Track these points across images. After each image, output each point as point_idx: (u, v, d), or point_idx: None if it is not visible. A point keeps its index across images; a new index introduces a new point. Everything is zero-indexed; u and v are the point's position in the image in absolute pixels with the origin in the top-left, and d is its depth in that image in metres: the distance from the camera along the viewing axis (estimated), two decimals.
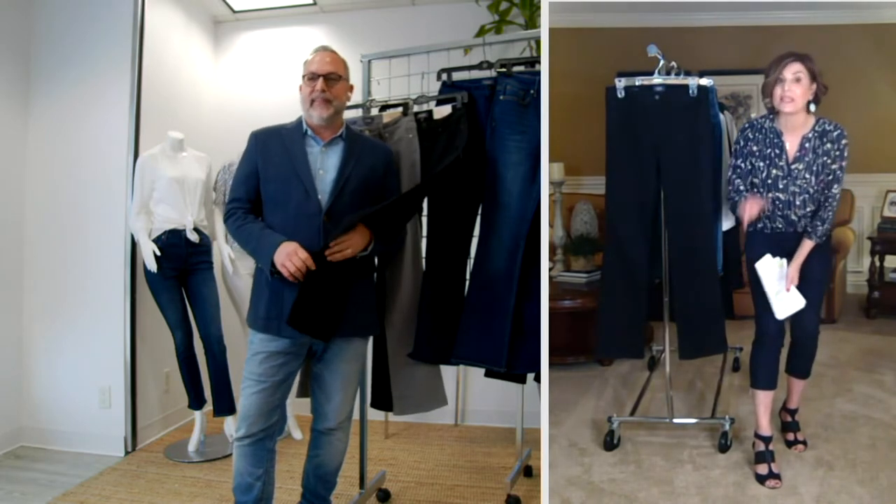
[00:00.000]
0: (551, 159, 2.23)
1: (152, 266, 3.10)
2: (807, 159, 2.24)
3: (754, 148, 2.29)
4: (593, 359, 3.33)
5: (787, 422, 2.51)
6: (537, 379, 2.27)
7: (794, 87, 2.18)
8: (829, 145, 2.22)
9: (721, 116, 2.60)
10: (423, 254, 2.52)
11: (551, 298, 2.24)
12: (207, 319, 3.29)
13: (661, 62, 2.41)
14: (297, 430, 3.57)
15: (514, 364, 2.31)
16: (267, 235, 2.03)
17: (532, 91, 2.32)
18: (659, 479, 2.33)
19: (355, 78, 2.28)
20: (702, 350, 2.54)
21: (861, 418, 2.65)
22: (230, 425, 3.34)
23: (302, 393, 2.44)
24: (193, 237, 3.21)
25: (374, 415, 2.92)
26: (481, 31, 3.66)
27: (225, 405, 3.32)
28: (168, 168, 3.21)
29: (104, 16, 3.41)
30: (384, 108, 2.63)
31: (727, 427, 2.48)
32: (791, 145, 2.26)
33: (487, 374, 2.52)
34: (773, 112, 2.28)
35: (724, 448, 2.46)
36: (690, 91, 2.39)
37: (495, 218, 2.35)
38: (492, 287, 2.34)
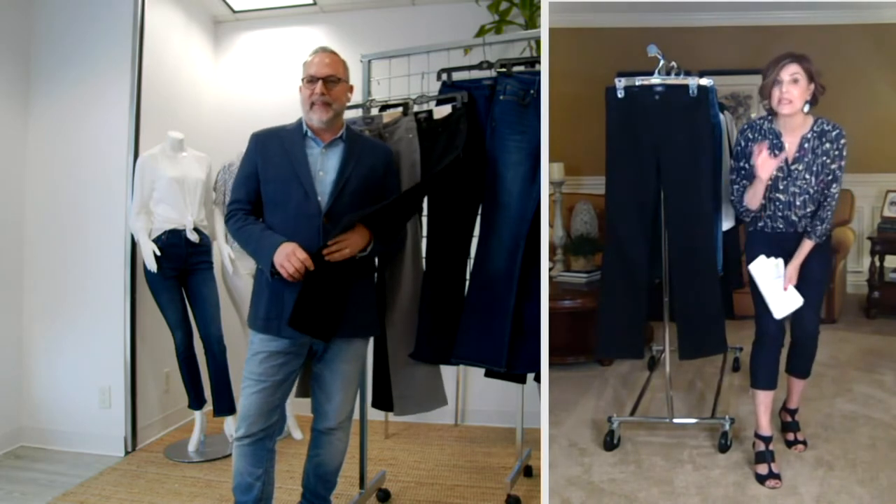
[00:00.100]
0: (551, 159, 2.23)
1: (152, 266, 3.10)
2: (806, 160, 2.24)
3: (754, 149, 2.29)
4: (593, 359, 3.33)
5: (787, 422, 2.51)
6: (537, 379, 2.27)
7: (792, 88, 2.18)
8: (828, 145, 2.22)
9: (721, 116, 2.60)
10: (423, 254, 2.52)
11: (551, 298, 2.24)
12: (207, 319, 3.29)
13: (661, 62, 2.41)
14: (297, 430, 3.57)
15: (514, 364, 2.31)
16: (267, 237, 2.03)
17: (532, 91, 2.32)
18: (659, 479, 2.33)
19: (355, 78, 2.28)
20: (702, 350, 2.54)
21: (861, 418, 2.65)
22: (230, 425, 3.35)
23: (302, 393, 2.44)
24: (193, 237, 3.21)
25: (374, 415, 2.92)
26: (481, 31, 3.66)
27: (225, 405, 3.32)
28: (168, 168, 3.21)
29: (104, 16, 3.41)
30: (384, 108, 2.63)
31: (727, 427, 2.48)
32: (790, 146, 2.26)
33: (487, 374, 2.52)
34: (772, 113, 2.28)
35: (724, 448, 2.46)
36: (690, 91, 2.38)
37: (495, 218, 2.35)
38: (492, 287, 2.34)
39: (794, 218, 2.27)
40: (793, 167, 2.25)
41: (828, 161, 2.22)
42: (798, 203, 2.26)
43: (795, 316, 2.31)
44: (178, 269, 3.21)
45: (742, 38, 3.88)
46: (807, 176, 2.24)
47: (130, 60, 3.38)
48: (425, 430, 3.74)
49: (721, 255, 2.59)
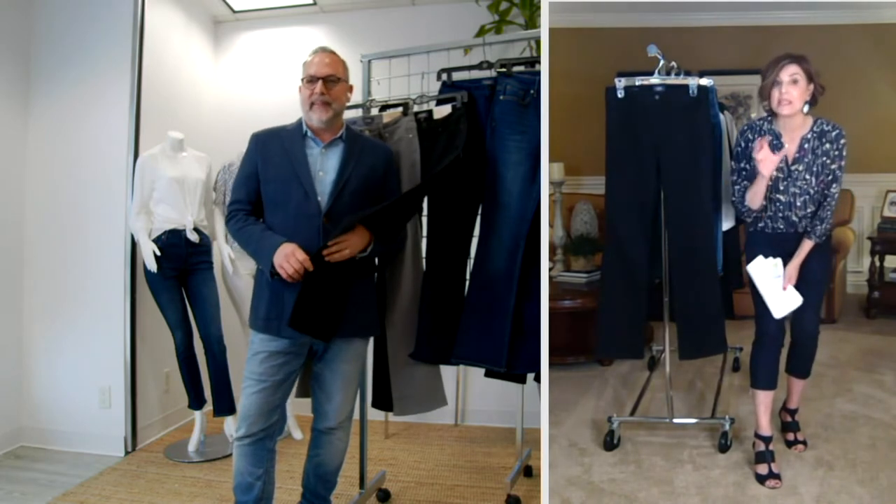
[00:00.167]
0: (551, 159, 2.23)
1: (152, 266, 3.10)
2: (806, 160, 2.24)
3: (755, 145, 2.28)
4: (593, 359, 3.33)
5: (787, 422, 2.51)
6: (537, 379, 2.27)
7: (792, 88, 2.17)
8: (827, 145, 2.22)
9: (721, 116, 2.60)
10: (423, 254, 2.52)
11: (551, 298, 2.24)
12: (207, 319, 3.29)
13: (661, 62, 2.41)
14: (297, 430, 3.57)
15: (514, 364, 2.31)
16: (267, 237, 2.04)
17: (532, 91, 2.32)
18: (659, 479, 2.33)
19: (355, 78, 2.28)
20: (702, 350, 2.54)
21: (861, 418, 2.65)
22: (230, 425, 3.35)
23: (302, 393, 2.44)
24: (193, 237, 3.21)
25: (374, 415, 2.92)
26: (481, 31, 3.66)
27: (225, 405, 3.32)
28: (168, 168, 3.21)
29: (104, 16, 3.41)
30: (384, 108, 2.63)
31: (727, 427, 2.48)
32: (790, 147, 2.25)
33: (487, 374, 2.52)
34: (772, 114, 2.28)
35: (724, 448, 2.46)
36: (690, 91, 2.38)
37: (495, 218, 2.35)
38: (492, 287, 2.34)
39: (794, 218, 2.27)
40: (793, 168, 2.25)
41: (828, 161, 2.22)
42: (798, 204, 2.26)
43: (795, 316, 2.31)
44: (178, 269, 3.21)
45: (742, 38, 3.89)
46: (807, 176, 2.24)
47: (130, 60, 3.38)
48: (425, 430, 3.74)
49: (721, 255, 2.60)
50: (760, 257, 2.27)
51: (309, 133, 2.13)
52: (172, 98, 3.80)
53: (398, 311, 2.47)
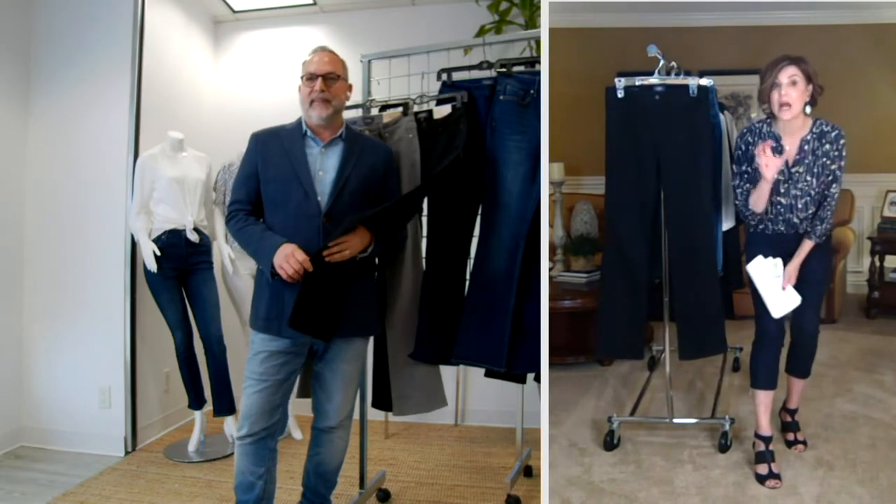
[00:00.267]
0: (551, 159, 2.23)
1: (152, 266, 3.10)
2: (807, 161, 2.24)
3: (757, 149, 2.28)
4: (593, 359, 3.33)
5: (787, 422, 2.51)
6: (537, 379, 2.27)
7: (791, 90, 2.17)
8: (827, 146, 2.22)
9: (721, 116, 2.60)
10: (423, 254, 2.52)
11: (551, 298, 2.24)
12: (207, 319, 3.29)
13: (661, 62, 2.41)
14: (298, 430, 3.57)
15: (514, 364, 2.31)
16: (267, 237, 2.04)
17: (532, 91, 2.32)
18: (659, 479, 2.33)
19: (355, 78, 2.28)
20: (702, 350, 2.54)
21: (861, 418, 2.65)
22: (230, 425, 3.35)
23: (302, 393, 2.44)
24: (193, 237, 3.21)
25: (374, 415, 2.92)
26: (481, 31, 3.66)
27: (225, 405, 3.32)
28: (168, 168, 3.21)
29: (104, 16, 3.41)
30: (384, 108, 2.63)
31: (727, 427, 2.48)
32: (790, 148, 2.25)
33: (487, 374, 2.52)
34: (772, 116, 2.28)
35: (724, 448, 2.46)
36: (690, 91, 2.38)
37: (495, 218, 2.35)
38: (492, 287, 2.34)
39: (795, 220, 2.27)
40: (793, 170, 2.25)
41: (828, 162, 2.22)
42: (800, 206, 2.26)
43: (795, 316, 2.31)
44: (178, 269, 3.21)
45: (742, 38, 3.89)
46: (808, 178, 2.24)
47: (130, 60, 3.38)
48: (425, 430, 3.74)
49: (721, 255, 2.60)
50: (760, 257, 2.28)
51: (308, 132, 2.13)
52: (172, 98, 3.80)
53: (398, 311, 2.47)
